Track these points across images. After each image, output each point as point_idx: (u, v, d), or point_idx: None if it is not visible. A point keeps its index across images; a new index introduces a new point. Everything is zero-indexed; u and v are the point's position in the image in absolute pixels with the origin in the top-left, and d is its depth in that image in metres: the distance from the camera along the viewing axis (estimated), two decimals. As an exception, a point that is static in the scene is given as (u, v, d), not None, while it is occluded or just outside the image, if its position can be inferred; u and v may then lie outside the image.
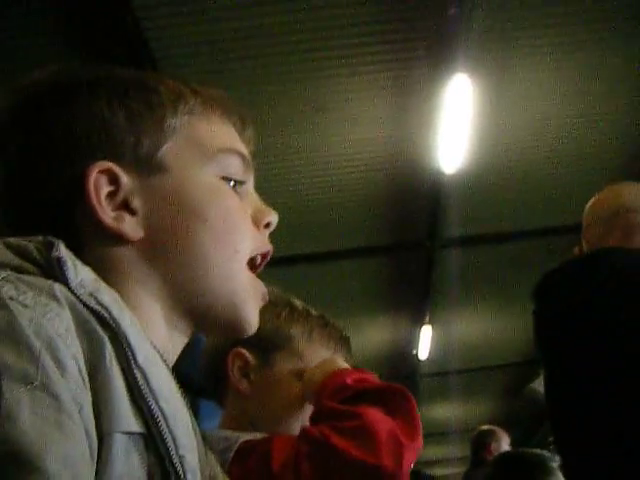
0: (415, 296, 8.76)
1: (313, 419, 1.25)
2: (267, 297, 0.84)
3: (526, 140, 6.05)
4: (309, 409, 1.34)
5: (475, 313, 9.42)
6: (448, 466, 17.82)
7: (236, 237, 0.80)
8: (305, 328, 1.39)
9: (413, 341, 10.13)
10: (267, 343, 1.35)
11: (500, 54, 5.06)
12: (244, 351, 1.35)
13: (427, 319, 9.32)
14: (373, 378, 1.30)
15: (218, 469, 0.86)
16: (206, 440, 0.80)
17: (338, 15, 4.58)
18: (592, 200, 2.06)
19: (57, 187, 0.75)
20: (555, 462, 3.00)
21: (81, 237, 0.75)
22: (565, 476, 2.30)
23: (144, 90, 0.79)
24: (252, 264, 0.83)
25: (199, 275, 0.77)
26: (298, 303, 1.44)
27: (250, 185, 0.86)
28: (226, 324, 0.81)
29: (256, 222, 0.84)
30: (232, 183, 0.82)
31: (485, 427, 5.52)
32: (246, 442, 1.25)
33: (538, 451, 3.28)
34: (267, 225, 0.85)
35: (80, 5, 4.19)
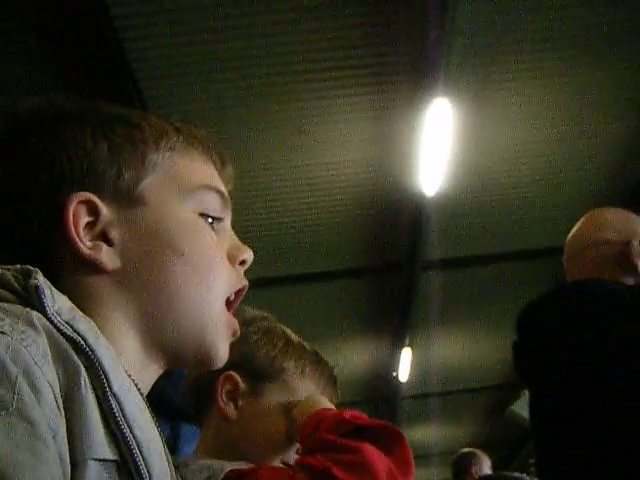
0: (395, 318, 8.76)
1: (308, 450, 1.25)
2: (238, 332, 0.85)
3: (506, 164, 6.10)
4: (291, 446, 1.34)
5: (455, 335, 9.43)
6: (428, 489, 17.76)
7: (210, 273, 0.81)
8: (299, 363, 1.39)
9: (393, 363, 10.12)
10: (260, 372, 1.35)
11: (480, 79, 5.12)
12: (236, 375, 1.35)
13: (407, 341, 9.31)
14: (367, 416, 1.31)
15: None
16: (177, 467, 0.82)
17: (321, 39, 4.62)
18: (570, 233, 2.10)
19: (38, 215, 0.76)
20: None
21: (59, 265, 0.76)
22: None
23: (128, 126, 0.82)
24: (227, 301, 0.84)
25: (172, 308, 0.79)
26: (294, 336, 1.44)
27: (227, 222, 0.87)
28: (195, 357, 0.82)
29: (231, 259, 0.85)
30: (209, 220, 0.84)
31: (466, 450, 5.52)
32: (232, 471, 1.24)
33: (518, 475, 3.29)
34: (242, 262, 0.86)
35: (63, 28, 4.20)
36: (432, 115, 5.16)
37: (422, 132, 5.39)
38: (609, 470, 1.67)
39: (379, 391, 10.53)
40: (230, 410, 1.34)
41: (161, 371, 0.82)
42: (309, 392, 1.37)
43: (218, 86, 4.91)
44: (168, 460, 0.75)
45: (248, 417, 1.34)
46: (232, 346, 0.85)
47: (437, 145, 5.49)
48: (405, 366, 9.99)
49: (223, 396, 1.35)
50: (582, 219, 2.13)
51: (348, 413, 1.27)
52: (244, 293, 0.86)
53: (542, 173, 6.27)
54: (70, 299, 0.72)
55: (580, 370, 1.75)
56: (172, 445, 2.28)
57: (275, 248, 6.72)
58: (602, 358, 1.72)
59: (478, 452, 5.33)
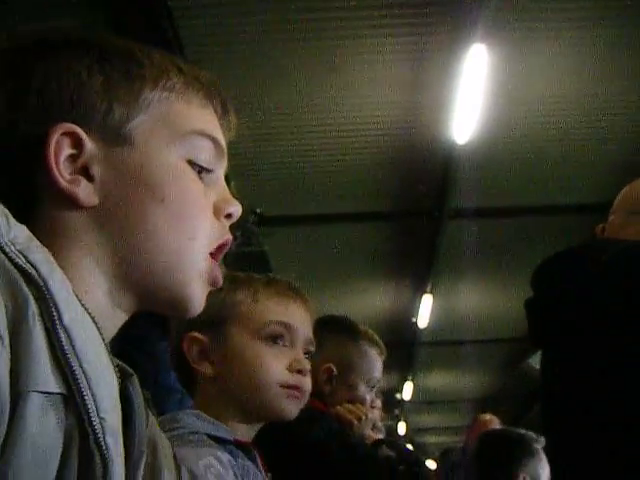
0: (419, 264, 8.77)
1: None
2: (220, 282, 0.83)
3: (540, 115, 6.00)
4: (279, 360, 1.35)
5: (477, 286, 9.43)
6: (440, 434, 18.01)
7: (192, 222, 0.79)
8: (249, 291, 1.38)
9: (413, 309, 10.17)
10: (214, 317, 1.33)
11: (519, 26, 5.00)
12: (197, 334, 1.34)
13: (429, 288, 9.34)
14: None
15: (160, 433, 0.87)
16: (148, 400, 0.82)
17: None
18: (627, 186, 2.00)
19: (21, 141, 0.75)
20: (539, 443, 3.00)
21: (37, 196, 0.75)
22: (549, 458, 2.32)
23: (128, 61, 0.79)
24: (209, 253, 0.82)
25: (147, 252, 0.77)
26: (240, 274, 1.44)
27: (220, 172, 0.84)
28: (169, 302, 0.81)
29: (217, 211, 0.82)
30: (198, 169, 0.81)
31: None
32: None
33: (523, 431, 3.28)
34: (228, 216, 0.84)
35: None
36: (468, 61, 5.07)
37: (457, 78, 5.31)
38: (622, 433, 1.67)
39: (397, 335, 10.59)
40: (208, 369, 1.33)
41: (131, 312, 0.80)
42: (272, 311, 1.37)
43: (252, 19, 4.84)
44: (131, 396, 0.75)
45: (227, 366, 1.34)
46: None
47: (472, 92, 5.41)
48: (425, 312, 10.04)
49: (194, 358, 1.34)
50: None
51: None
52: (227, 247, 0.84)
53: (578, 128, 6.16)
54: (43, 233, 0.71)
55: (597, 330, 1.73)
56: None
57: (302, 187, 6.71)
58: (621, 319, 1.69)
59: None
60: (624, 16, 4.90)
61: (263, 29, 4.92)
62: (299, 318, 1.41)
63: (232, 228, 0.87)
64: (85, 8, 4.46)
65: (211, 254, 0.82)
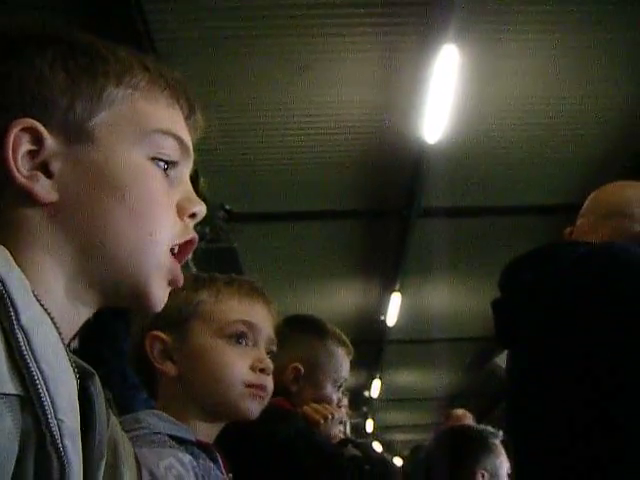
0: (388, 263, 8.79)
1: None
2: (180, 281, 0.82)
3: (510, 116, 6.04)
4: (243, 359, 1.34)
5: (445, 285, 9.48)
6: (407, 432, 18.11)
7: (152, 220, 0.78)
8: (211, 290, 1.38)
9: (382, 307, 10.20)
10: (177, 317, 1.33)
11: (490, 27, 5.03)
12: (159, 333, 1.34)
13: (397, 286, 9.37)
14: None
15: (122, 433, 0.87)
16: (109, 400, 0.81)
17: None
18: (597, 190, 2.03)
19: None
20: (497, 438, 3.03)
21: None
22: (511, 454, 2.34)
23: (92, 56, 0.78)
24: (172, 252, 0.82)
25: (107, 250, 0.76)
26: (203, 273, 1.44)
27: (184, 172, 0.84)
28: (130, 298, 0.80)
29: (181, 210, 0.82)
30: (164, 165, 0.80)
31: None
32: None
33: (482, 427, 3.29)
34: (192, 216, 0.83)
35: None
36: (439, 61, 5.09)
37: (428, 78, 5.32)
38: (585, 430, 1.68)
39: (366, 333, 10.62)
40: (169, 368, 1.33)
41: (94, 309, 0.80)
42: (234, 311, 1.37)
43: (222, 16, 4.81)
44: (91, 396, 0.75)
45: (190, 365, 1.33)
46: None
47: (442, 92, 5.43)
48: (393, 311, 10.07)
49: (157, 358, 1.34)
50: (618, 185, 2.04)
51: None
52: (193, 247, 0.83)
53: (548, 129, 6.21)
54: (2, 231, 0.71)
55: (564, 330, 1.74)
56: None
57: (272, 184, 6.70)
58: (588, 318, 1.71)
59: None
60: (592, 20, 4.95)
61: (233, 26, 4.90)
62: (262, 317, 1.41)
63: (200, 224, 0.86)
64: (53, 1, 4.41)
65: (174, 254, 0.81)
